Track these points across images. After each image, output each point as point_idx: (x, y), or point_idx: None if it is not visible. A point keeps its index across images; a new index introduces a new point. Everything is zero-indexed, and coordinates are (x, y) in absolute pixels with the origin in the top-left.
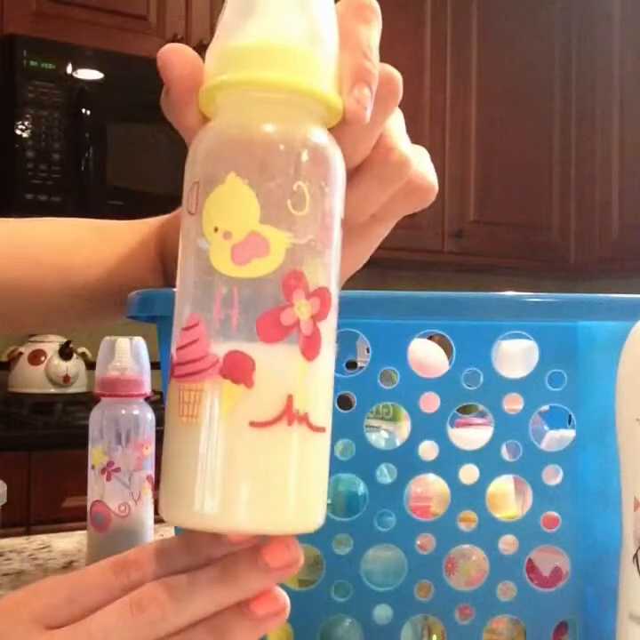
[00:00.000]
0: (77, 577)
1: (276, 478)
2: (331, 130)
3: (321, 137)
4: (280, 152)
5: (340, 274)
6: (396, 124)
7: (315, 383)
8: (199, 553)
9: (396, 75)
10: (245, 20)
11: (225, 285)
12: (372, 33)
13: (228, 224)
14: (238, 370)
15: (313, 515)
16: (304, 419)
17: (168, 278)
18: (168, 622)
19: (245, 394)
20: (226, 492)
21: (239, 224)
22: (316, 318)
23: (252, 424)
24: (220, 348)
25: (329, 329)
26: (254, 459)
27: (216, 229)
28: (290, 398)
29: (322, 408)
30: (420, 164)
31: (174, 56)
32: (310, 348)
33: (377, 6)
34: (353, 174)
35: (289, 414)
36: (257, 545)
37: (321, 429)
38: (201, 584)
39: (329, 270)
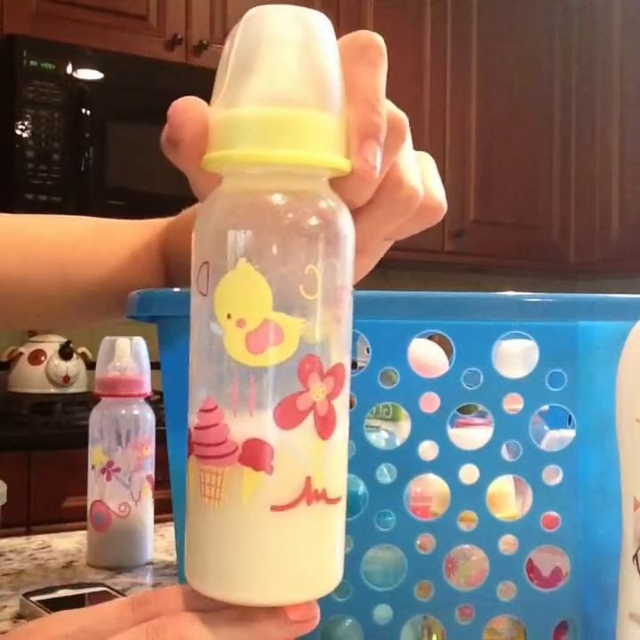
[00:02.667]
0: (93, 609)
1: (297, 554)
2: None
3: (330, 210)
4: (290, 236)
5: (351, 339)
6: (404, 151)
7: (331, 459)
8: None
9: (402, 118)
10: (246, 81)
11: (240, 373)
12: (378, 78)
13: (241, 312)
14: (257, 457)
15: (330, 578)
16: (322, 496)
17: (170, 280)
18: None
19: (265, 480)
20: (248, 569)
21: (252, 312)
22: (331, 397)
23: (274, 508)
24: (238, 434)
25: (343, 402)
26: (276, 539)
27: (229, 316)
28: (308, 480)
29: (338, 480)
30: (428, 182)
31: (186, 115)
32: (326, 428)
33: (381, 44)
34: (363, 207)
35: (308, 495)
36: None
37: (337, 500)
38: (219, 621)
39: (342, 344)
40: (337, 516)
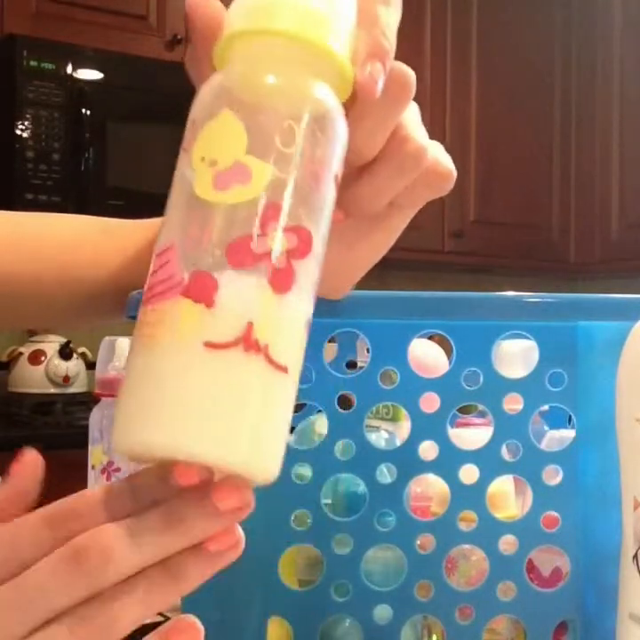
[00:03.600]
0: (8, 533)
1: (230, 408)
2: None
3: (324, 95)
4: (277, 93)
5: (328, 232)
6: (410, 114)
7: (280, 317)
8: (144, 498)
9: (410, 72)
10: None
11: (202, 209)
12: (391, 14)
13: (214, 153)
14: (200, 289)
15: (267, 462)
16: (263, 350)
17: None
18: (112, 572)
19: (204, 313)
20: (176, 415)
21: (225, 153)
22: (290, 254)
23: (207, 344)
24: (187, 270)
25: (306, 272)
26: (207, 382)
27: (203, 159)
28: (249, 325)
29: (286, 345)
30: (437, 152)
31: (200, 8)
32: (280, 282)
33: None
34: (369, 165)
35: (247, 341)
36: (205, 488)
37: (283, 368)
38: (145, 530)
39: (314, 216)
40: (280, 390)
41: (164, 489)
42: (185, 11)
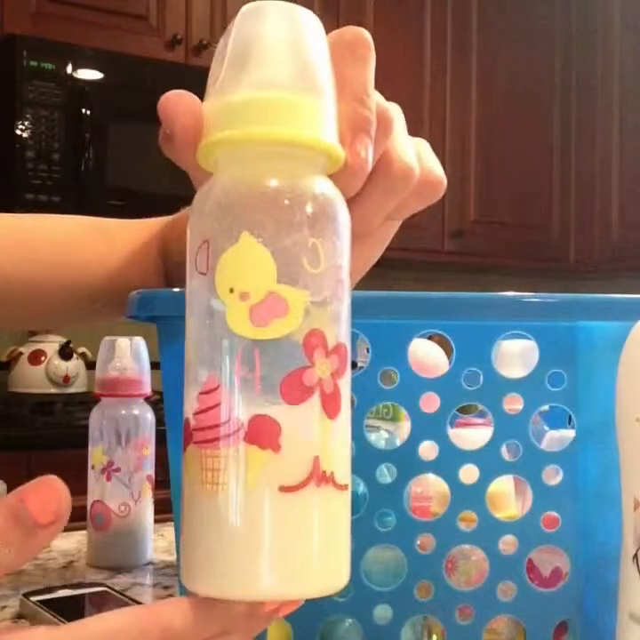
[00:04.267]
0: None
1: (305, 540)
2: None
3: (327, 189)
4: (291, 209)
5: (350, 326)
6: (397, 128)
7: (337, 441)
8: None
9: (388, 110)
10: (241, 72)
11: (245, 348)
12: (367, 72)
13: (244, 285)
14: (264, 435)
15: (339, 575)
16: (331, 479)
17: (170, 280)
18: None
19: (273, 459)
20: (254, 559)
21: (256, 284)
22: (335, 376)
23: (282, 489)
24: (243, 413)
25: (346, 384)
26: (285, 523)
27: (232, 290)
28: (316, 459)
29: (345, 465)
30: (425, 160)
31: (177, 107)
32: (332, 407)
33: (368, 38)
34: (360, 189)
35: (317, 475)
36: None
37: (344, 487)
38: None
39: (344, 325)
40: (346, 506)
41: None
42: (159, 108)
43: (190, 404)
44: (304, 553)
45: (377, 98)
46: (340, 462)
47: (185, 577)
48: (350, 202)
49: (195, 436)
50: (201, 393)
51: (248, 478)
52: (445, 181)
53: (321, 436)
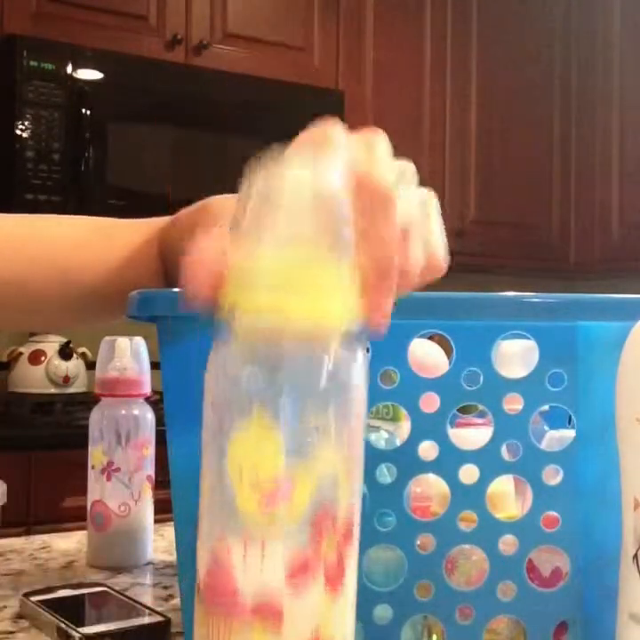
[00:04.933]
0: None
1: None
2: None
3: (343, 360)
4: (303, 387)
5: (362, 477)
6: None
7: (340, 611)
8: None
9: (413, 266)
10: (263, 230)
11: (252, 529)
12: (389, 225)
13: (253, 464)
14: (268, 613)
15: None
16: None
17: (169, 280)
18: None
19: (274, 633)
20: None
21: (265, 465)
22: (341, 547)
23: None
24: (249, 588)
25: (352, 550)
26: None
27: (241, 469)
28: (317, 630)
29: (347, 629)
30: (432, 242)
31: (200, 276)
32: (335, 581)
33: (390, 191)
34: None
35: None
36: None
37: None
38: None
39: (354, 486)
40: None
41: None
42: (186, 274)
43: (203, 557)
44: None
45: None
46: (341, 628)
47: None
48: None
49: (205, 595)
50: (211, 554)
51: None
52: (445, 265)
53: (323, 609)
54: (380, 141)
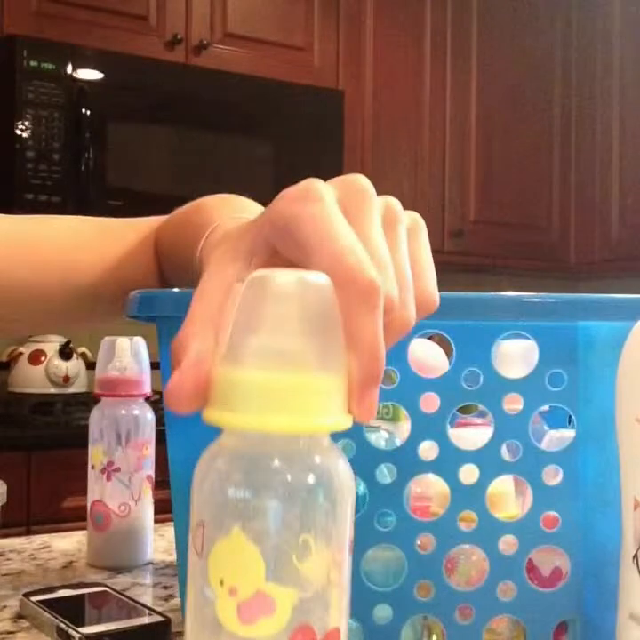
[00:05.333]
0: None
1: None
2: None
3: (327, 471)
4: (285, 505)
5: (349, 596)
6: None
7: None
8: None
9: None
10: (249, 339)
11: None
12: (376, 324)
13: (233, 580)
14: None
15: None
16: None
17: (165, 280)
18: None
19: None
20: None
21: (244, 581)
22: None
23: None
24: None
25: None
26: None
27: (222, 583)
28: None
29: None
30: (422, 279)
31: (188, 388)
32: None
33: (378, 290)
34: None
35: None
36: None
37: None
38: None
39: (339, 605)
40: None
41: None
42: (173, 383)
43: None
44: None
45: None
46: None
47: None
48: None
49: None
50: None
51: None
52: (437, 298)
53: None
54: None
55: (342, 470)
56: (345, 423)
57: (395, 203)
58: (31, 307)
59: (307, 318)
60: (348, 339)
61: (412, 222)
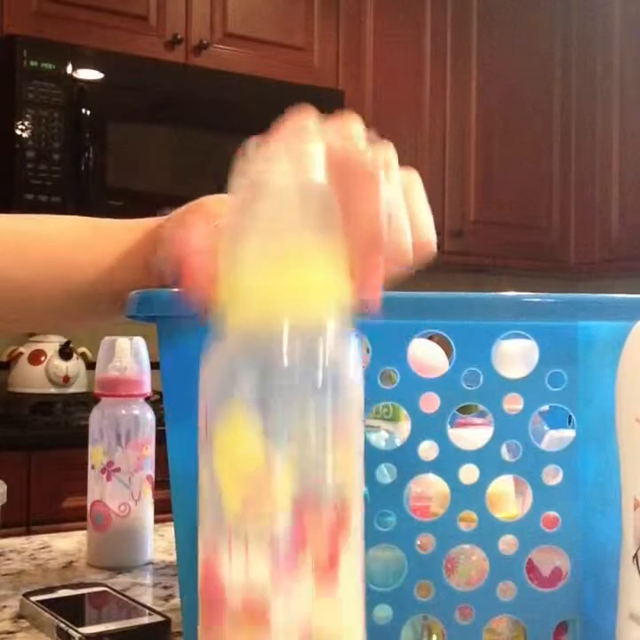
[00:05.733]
0: None
1: None
2: None
3: (338, 356)
4: (291, 388)
5: (363, 473)
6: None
7: (333, 606)
8: None
9: (405, 240)
10: (249, 233)
11: (237, 525)
12: (374, 201)
13: (236, 462)
14: (255, 610)
15: None
16: None
17: (163, 280)
18: None
19: (262, 634)
20: None
21: (247, 463)
22: (333, 542)
23: None
24: (235, 587)
25: (349, 546)
26: None
27: (225, 466)
28: (307, 627)
29: (344, 624)
30: (417, 224)
31: (197, 275)
32: (326, 577)
33: (372, 167)
34: None
35: None
36: None
37: None
38: None
39: (350, 487)
40: None
41: None
42: (187, 272)
43: (200, 558)
44: None
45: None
46: (336, 624)
47: None
48: None
49: (201, 596)
50: (203, 554)
51: None
52: (434, 243)
53: (313, 604)
54: (353, 126)
55: (351, 351)
56: (349, 302)
57: (392, 154)
58: (27, 306)
59: (305, 206)
60: (347, 220)
61: (408, 174)
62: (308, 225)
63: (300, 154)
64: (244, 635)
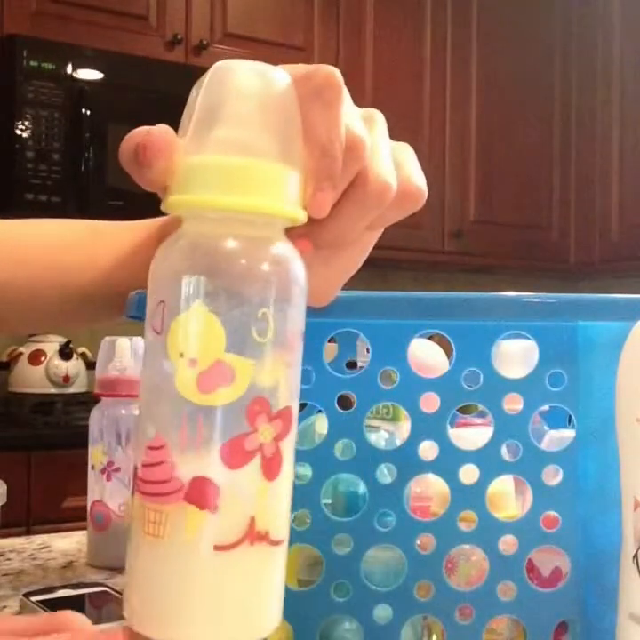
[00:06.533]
0: None
1: (238, 595)
2: None
3: (283, 257)
4: (244, 280)
5: (299, 383)
6: (377, 140)
7: (275, 501)
8: None
9: (361, 140)
10: (210, 130)
11: (190, 412)
12: (333, 116)
13: (193, 351)
14: (203, 496)
15: (271, 619)
16: (265, 537)
17: None
18: None
19: (209, 519)
20: (189, 609)
21: (205, 352)
22: (278, 439)
23: (217, 548)
24: (184, 473)
25: (290, 444)
26: (218, 579)
27: (181, 355)
28: (252, 520)
29: (281, 522)
30: (404, 170)
31: (163, 149)
32: (272, 469)
33: (338, 80)
34: (335, 206)
35: (251, 535)
36: None
37: (279, 542)
38: None
39: (291, 387)
40: (279, 558)
41: None
42: (145, 140)
43: (139, 453)
44: (235, 604)
45: (349, 122)
46: (276, 520)
47: (126, 612)
48: (327, 217)
49: (141, 487)
50: (148, 447)
51: (185, 536)
52: (425, 191)
53: (258, 497)
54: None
55: (298, 264)
56: (299, 214)
57: (379, 115)
58: (23, 306)
59: (267, 112)
60: (305, 133)
61: (401, 145)
62: (266, 129)
63: (265, 65)
64: (191, 517)
